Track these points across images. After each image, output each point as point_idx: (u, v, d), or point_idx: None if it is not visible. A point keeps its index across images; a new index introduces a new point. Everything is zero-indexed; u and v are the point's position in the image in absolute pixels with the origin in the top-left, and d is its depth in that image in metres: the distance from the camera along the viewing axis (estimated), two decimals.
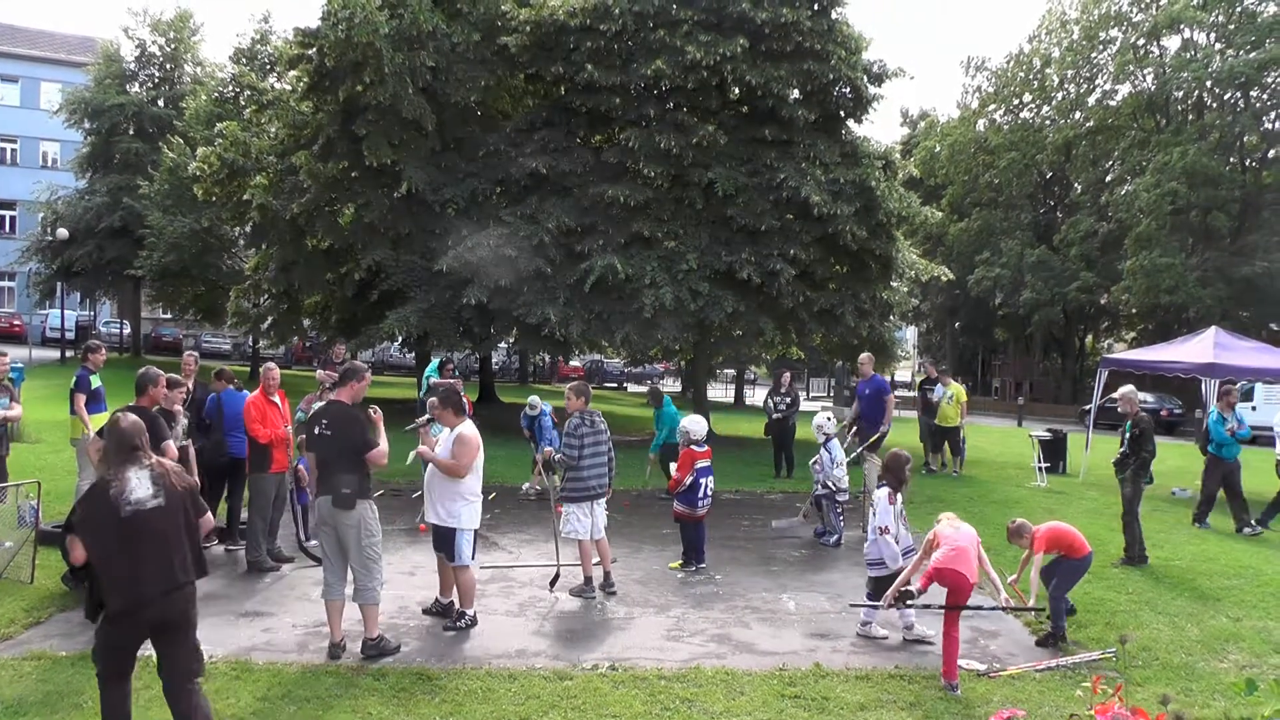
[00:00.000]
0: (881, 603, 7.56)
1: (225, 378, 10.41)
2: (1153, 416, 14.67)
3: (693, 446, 9.97)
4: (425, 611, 8.12)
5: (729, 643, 7.69)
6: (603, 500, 9.25)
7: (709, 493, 10.07)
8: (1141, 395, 33.66)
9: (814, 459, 12.08)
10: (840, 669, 7.08)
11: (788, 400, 17.55)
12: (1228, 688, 6.87)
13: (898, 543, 7.86)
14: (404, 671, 6.70)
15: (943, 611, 6.92)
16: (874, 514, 8.06)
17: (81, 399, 10.56)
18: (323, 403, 11.57)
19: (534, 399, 14.87)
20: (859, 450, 13.94)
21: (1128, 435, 11.32)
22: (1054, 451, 19.32)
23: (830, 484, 11.68)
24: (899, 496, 8.04)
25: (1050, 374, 57.66)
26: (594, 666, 6.96)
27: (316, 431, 7.08)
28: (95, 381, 10.80)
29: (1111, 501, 15.66)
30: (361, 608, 7.17)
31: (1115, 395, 12.27)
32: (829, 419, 12.14)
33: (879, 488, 8.24)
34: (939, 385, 18.86)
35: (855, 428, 14.39)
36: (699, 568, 10.04)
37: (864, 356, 15.10)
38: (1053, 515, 13.73)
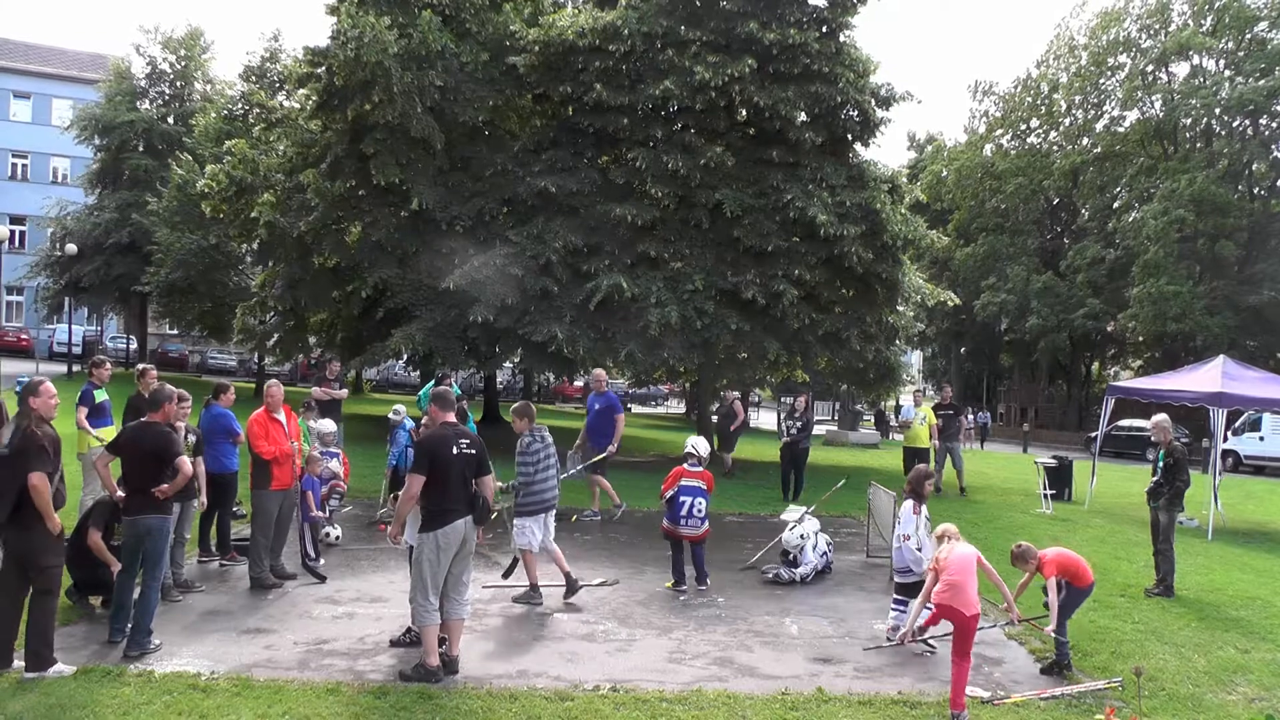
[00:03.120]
0: (895, 639, 8.02)
1: (219, 393, 10.35)
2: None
3: (685, 464, 10.03)
4: (393, 643, 7.74)
5: (731, 666, 7.64)
6: (553, 512, 9.62)
7: (695, 513, 9.94)
8: (1148, 424, 33.70)
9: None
10: (843, 694, 7.02)
11: (799, 424, 17.50)
12: None
13: (920, 550, 8.29)
14: (405, 690, 6.65)
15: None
16: (899, 522, 8.58)
17: (83, 412, 10.62)
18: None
19: (399, 407, 13.87)
20: (579, 468, 13.85)
21: (1161, 464, 11.34)
22: (1059, 478, 19.24)
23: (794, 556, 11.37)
24: (923, 508, 8.55)
25: (1056, 401, 57.55)
26: (595, 688, 6.91)
27: (456, 452, 7.03)
28: (100, 396, 10.85)
29: (1117, 529, 15.62)
30: (458, 623, 7.24)
31: (1149, 423, 12.25)
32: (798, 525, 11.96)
33: (905, 500, 8.70)
34: (911, 407, 18.89)
35: (579, 442, 14.34)
36: (701, 589, 9.99)
37: (597, 371, 14.98)
38: (1058, 542, 13.66)
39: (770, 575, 10.82)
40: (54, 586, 6.84)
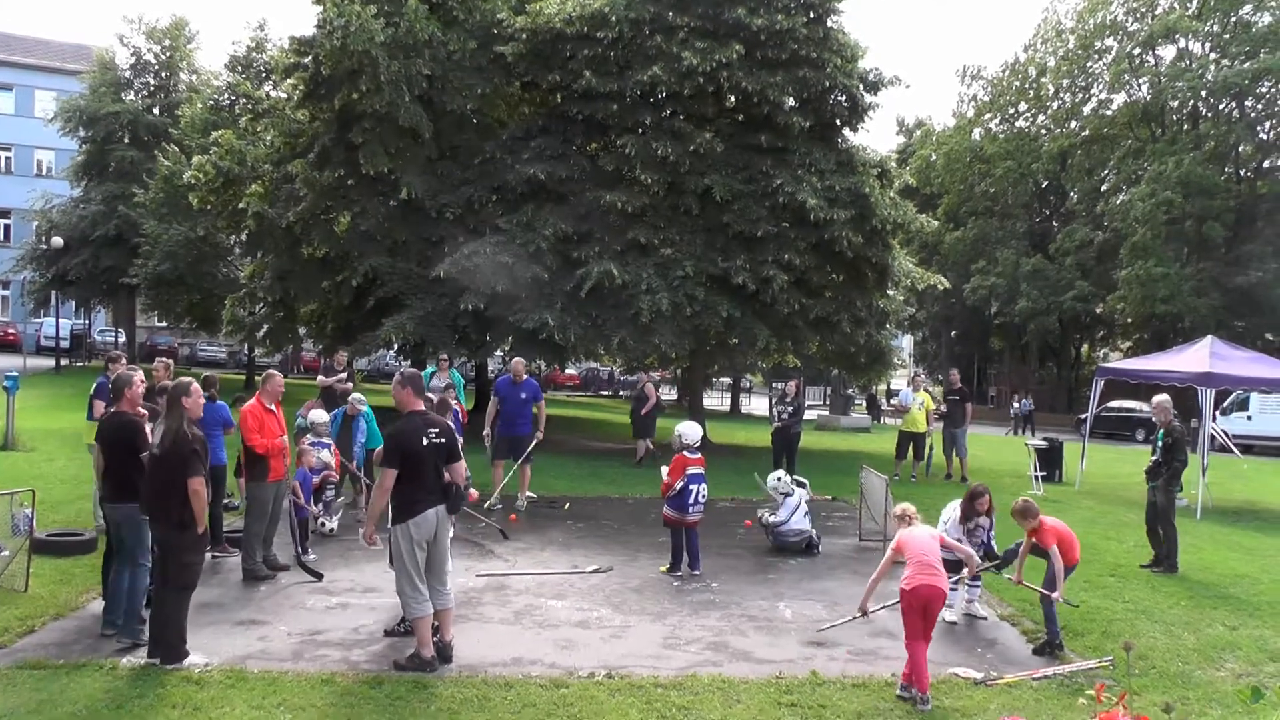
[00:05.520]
0: (851, 616, 7.79)
1: (207, 385, 10.36)
2: (1147, 426, 14.70)
3: (685, 452, 10.01)
4: (387, 633, 7.75)
5: (725, 650, 7.67)
6: None
7: (700, 499, 10.07)
8: (1137, 405, 33.85)
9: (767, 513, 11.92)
10: (837, 677, 7.05)
11: (791, 409, 17.52)
12: (1226, 696, 6.87)
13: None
14: (400, 680, 6.66)
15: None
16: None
17: (100, 405, 10.67)
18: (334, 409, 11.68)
19: (358, 395, 13.09)
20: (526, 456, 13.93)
21: (1160, 444, 11.54)
22: (1050, 460, 19.31)
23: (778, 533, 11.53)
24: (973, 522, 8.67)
25: (1046, 383, 57.73)
26: (590, 674, 6.93)
27: (427, 442, 6.94)
28: None
29: (1107, 510, 15.71)
30: (446, 612, 7.20)
31: (1150, 404, 12.49)
32: (780, 478, 12.05)
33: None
34: (909, 392, 18.92)
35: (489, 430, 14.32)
36: (694, 574, 10.02)
37: (517, 362, 14.96)
38: None
39: (758, 516, 11.83)
40: (193, 582, 7.02)
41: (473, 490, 9.43)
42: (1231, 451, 19.51)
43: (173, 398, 6.93)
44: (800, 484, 11.85)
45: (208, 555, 10.15)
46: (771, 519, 11.60)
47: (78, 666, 6.65)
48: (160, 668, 6.67)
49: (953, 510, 8.74)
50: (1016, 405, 40.38)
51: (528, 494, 14.06)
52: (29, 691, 6.18)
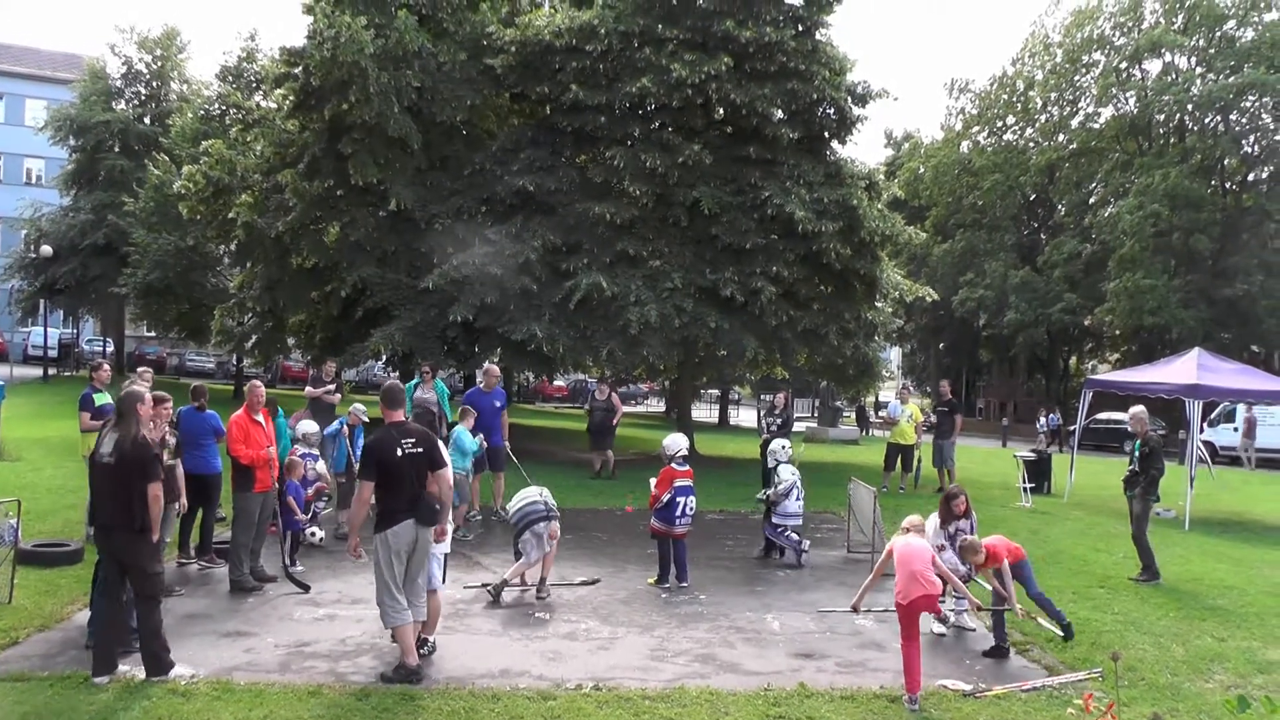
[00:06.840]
0: (848, 607, 8.20)
1: (197, 395, 10.36)
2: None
3: (673, 465, 10.03)
4: (384, 679, 7.45)
5: (713, 662, 7.65)
6: None
7: (688, 512, 10.07)
8: (1126, 416, 33.90)
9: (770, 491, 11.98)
10: (825, 689, 7.05)
11: (779, 421, 17.54)
12: (1214, 707, 6.88)
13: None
14: (387, 692, 6.63)
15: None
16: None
17: (86, 416, 10.67)
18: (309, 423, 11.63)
19: (358, 406, 13.27)
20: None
21: (1137, 454, 11.68)
22: (1038, 472, 19.34)
23: (772, 500, 11.64)
24: (955, 524, 8.93)
25: (1034, 395, 57.89)
26: (578, 686, 6.91)
27: (402, 453, 6.94)
28: (101, 399, 10.87)
29: (1096, 522, 15.73)
30: (416, 624, 7.18)
31: (1128, 415, 12.67)
32: (783, 447, 12.12)
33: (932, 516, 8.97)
34: (896, 403, 18.93)
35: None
36: (682, 586, 10.01)
37: (491, 368, 15.05)
38: (1037, 535, 13.77)
39: (760, 497, 11.97)
40: (160, 591, 7.02)
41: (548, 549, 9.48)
42: (1206, 463, 19.64)
43: (125, 407, 6.92)
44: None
45: (194, 566, 10.16)
46: (772, 493, 11.62)
47: (62, 678, 6.60)
48: (146, 680, 6.63)
49: (932, 520, 8.80)
50: (1043, 420, 39.71)
51: (503, 505, 14.06)
52: (11, 704, 6.13)
